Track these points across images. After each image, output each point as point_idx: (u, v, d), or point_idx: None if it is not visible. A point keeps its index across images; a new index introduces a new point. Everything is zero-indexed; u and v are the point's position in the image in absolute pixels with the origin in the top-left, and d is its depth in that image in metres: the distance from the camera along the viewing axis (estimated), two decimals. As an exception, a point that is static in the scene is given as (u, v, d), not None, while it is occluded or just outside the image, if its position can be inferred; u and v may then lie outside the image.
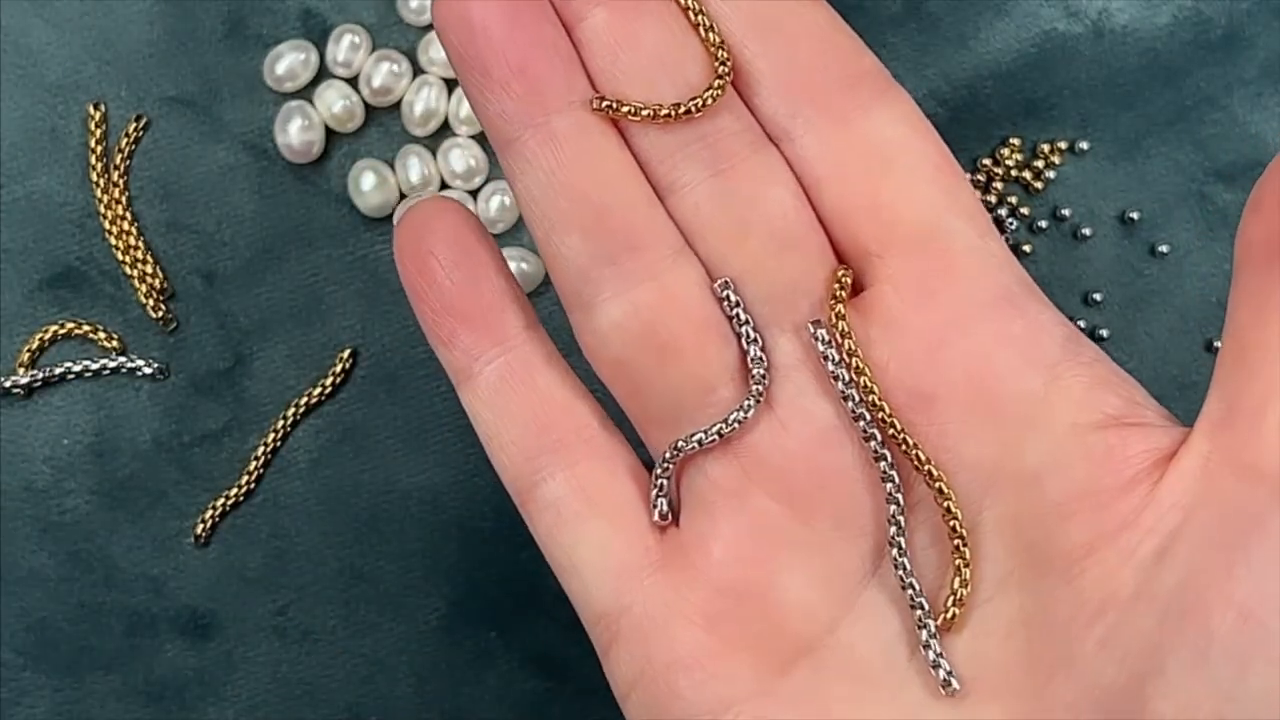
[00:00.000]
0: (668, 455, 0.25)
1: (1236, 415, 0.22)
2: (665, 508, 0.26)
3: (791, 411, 0.25)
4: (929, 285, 0.25)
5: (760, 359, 0.25)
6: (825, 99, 0.26)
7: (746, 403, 0.25)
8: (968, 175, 0.36)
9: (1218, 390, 0.23)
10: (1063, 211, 0.36)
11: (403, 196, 0.36)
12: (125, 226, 0.36)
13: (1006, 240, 0.36)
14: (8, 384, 0.35)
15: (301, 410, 0.36)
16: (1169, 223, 0.36)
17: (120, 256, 0.36)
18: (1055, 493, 0.24)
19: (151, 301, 0.35)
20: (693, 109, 0.25)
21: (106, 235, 0.36)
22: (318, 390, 0.36)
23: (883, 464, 0.25)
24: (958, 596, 0.24)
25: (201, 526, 0.35)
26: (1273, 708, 0.21)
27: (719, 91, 0.25)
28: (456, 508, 0.36)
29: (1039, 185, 0.36)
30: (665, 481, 0.26)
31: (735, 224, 0.26)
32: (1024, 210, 0.36)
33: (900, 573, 0.25)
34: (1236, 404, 0.22)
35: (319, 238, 0.36)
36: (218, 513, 0.35)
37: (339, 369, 0.36)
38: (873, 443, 0.25)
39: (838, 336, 0.25)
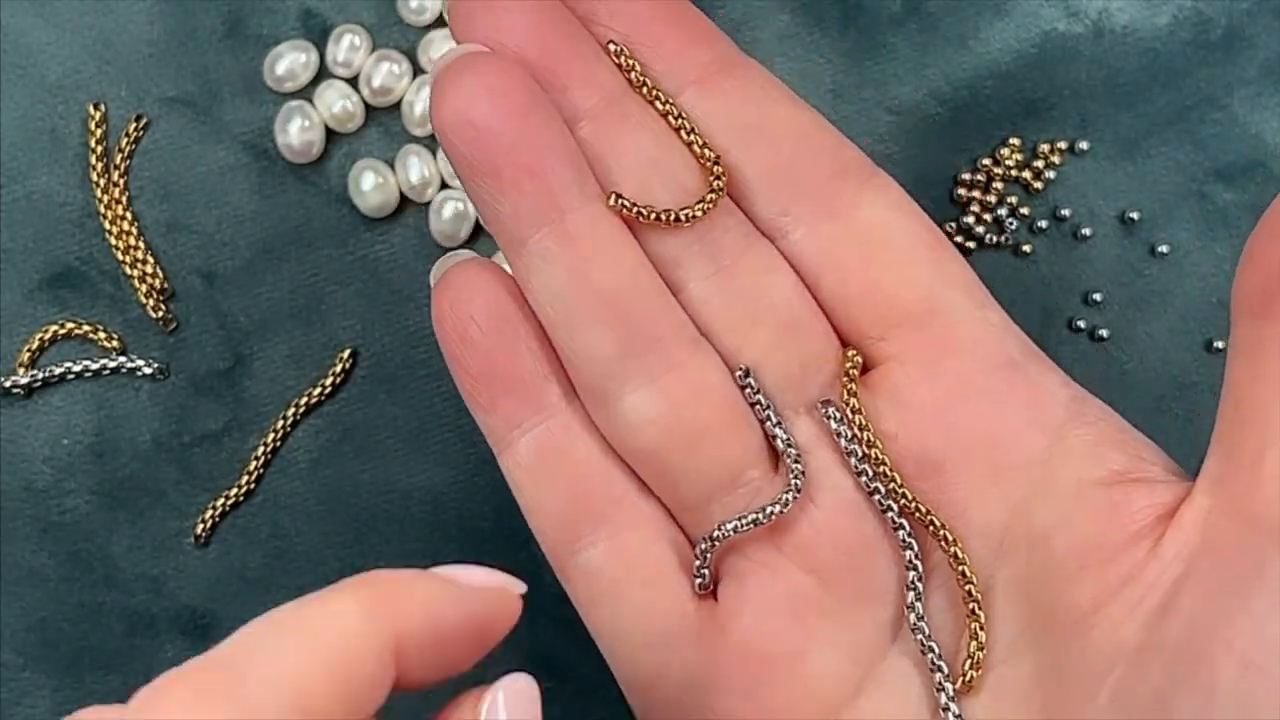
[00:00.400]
0: (716, 534, 0.26)
1: (1235, 468, 0.23)
2: (706, 578, 0.26)
3: (817, 486, 0.26)
4: (932, 359, 0.26)
5: (789, 440, 0.26)
6: (812, 195, 0.26)
7: (795, 483, 0.26)
8: (968, 174, 0.36)
9: (1217, 444, 0.23)
10: (1063, 211, 0.36)
11: (403, 196, 0.36)
12: (125, 226, 0.36)
13: (1006, 240, 0.36)
14: (8, 384, 0.35)
15: (301, 410, 0.36)
16: (1169, 223, 0.36)
17: (120, 256, 0.36)
18: (1062, 551, 0.24)
19: (151, 301, 0.35)
20: (697, 214, 0.26)
21: (106, 235, 0.36)
22: (318, 390, 0.36)
23: (901, 532, 0.25)
24: (975, 659, 0.25)
25: (201, 526, 0.35)
26: None
27: (719, 194, 0.26)
28: (456, 508, 0.36)
29: (1039, 185, 0.36)
30: (708, 556, 0.26)
31: (744, 315, 0.26)
32: (1024, 210, 0.36)
33: (920, 637, 0.25)
34: (1234, 457, 0.23)
35: (319, 238, 0.36)
36: (218, 513, 0.35)
37: (339, 369, 0.36)
38: (890, 513, 0.25)
39: (848, 413, 0.25)
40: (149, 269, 0.36)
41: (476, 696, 0.20)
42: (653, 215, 0.26)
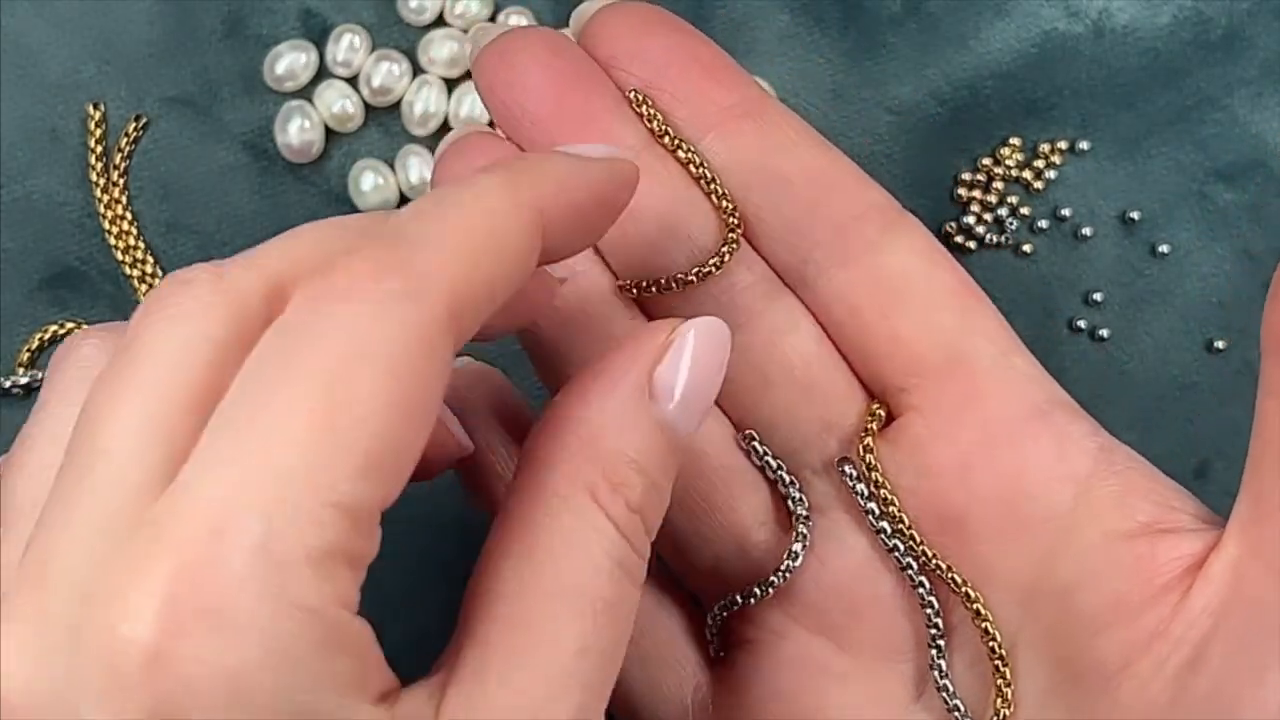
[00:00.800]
0: (726, 603, 0.26)
1: (1264, 512, 0.22)
2: (720, 644, 0.27)
3: (828, 548, 0.26)
4: (955, 410, 0.25)
5: (801, 500, 0.26)
6: (832, 242, 0.26)
7: (795, 547, 0.25)
8: (968, 174, 0.36)
9: (1246, 487, 0.23)
10: (1063, 211, 0.36)
11: (403, 196, 0.36)
12: (125, 226, 0.36)
13: (1006, 240, 0.36)
14: (7, 384, 0.35)
15: (301, 410, 0.36)
16: (1170, 223, 0.36)
17: (120, 256, 0.36)
18: (1088, 606, 0.24)
19: (151, 301, 0.35)
20: (712, 270, 0.25)
21: (106, 235, 0.36)
22: (318, 390, 0.36)
23: (920, 590, 0.25)
24: (1000, 716, 0.24)
25: (201, 526, 0.35)
26: None
27: (734, 246, 0.25)
28: (456, 508, 0.36)
29: (1039, 185, 0.36)
30: (719, 623, 0.26)
31: (756, 377, 0.26)
32: (1024, 210, 0.36)
33: (944, 695, 0.25)
34: (1264, 500, 0.22)
35: (319, 238, 0.36)
36: (218, 513, 0.35)
37: (339, 369, 0.36)
38: (909, 570, 0.25)
39: (864, 470, 0.25)
40: (149, 269, 0.36)
41: (670, 325, 0.22)
42: (663, 285, 0.25)
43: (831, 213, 0.26)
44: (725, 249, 0.25)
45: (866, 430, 0.25)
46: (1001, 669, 0.24)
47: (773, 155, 0.26)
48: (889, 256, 0.26)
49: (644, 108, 0.26)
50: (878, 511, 0.25)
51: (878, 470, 0.25)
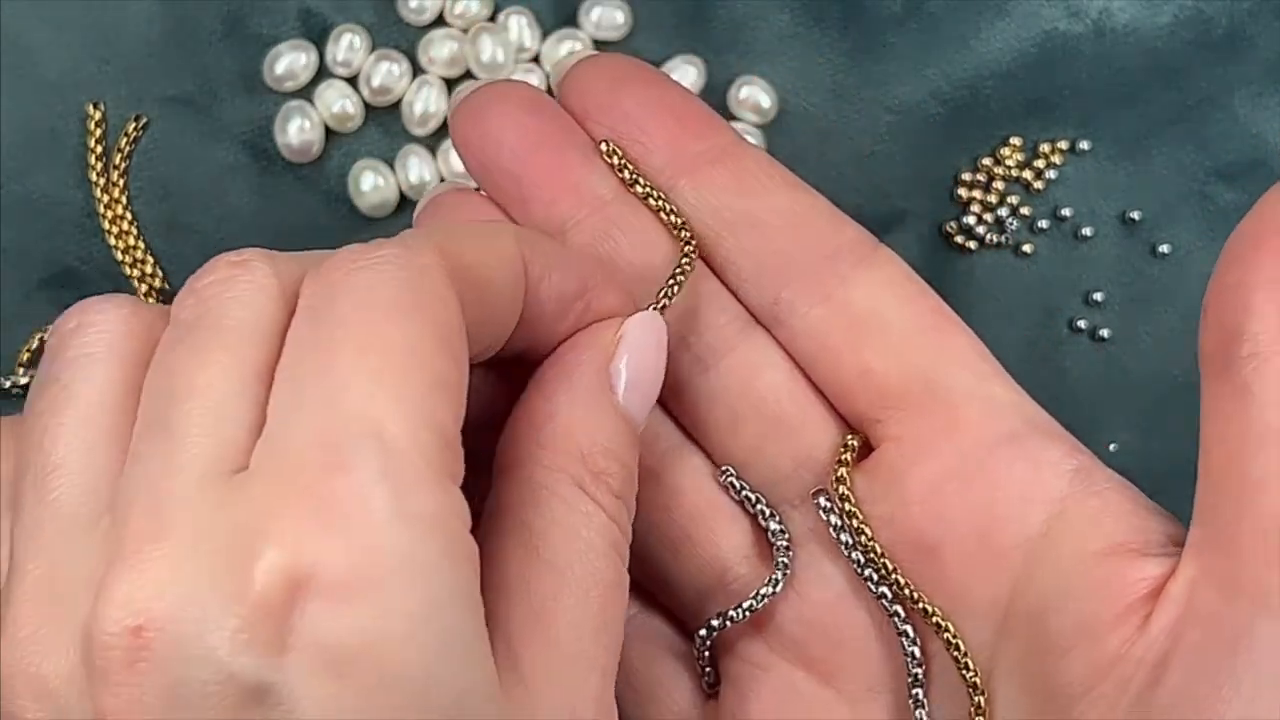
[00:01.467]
0: (704, 633, 0.26)
1: (1214, 533, 0.22)
2: (713, 677, 0.27)
3: (806, 580, 0.26)
4: (929, 439, 0.25)
5: (782, 531, 0.26)
6: (804, 280, 0.26)
7: (775, 575, 0.26)
8: (968, 174, 0.36)
9: (1197, 510, 0.23)
10: (1063, 211, 0.36)
11: (403, 196, 0.36)
12: (125, 226, 0.36)
13: (1006, 240, 0.36)
14: (7, 384, 0.35)
15: (301, 410, 0.36)
16: (1170, 223, 0.36)
17: (120, 256, 0.36)
18: (1056, 629, 0.24)
19: (151, 301, 0.35)
20: (669, 296, 0.25)
21: (106, 235, 0.36)
22: (317, 390, 0.36)
23: (895, 620, 0.25)
24: None
25: (201, 526, 0.35)
26: None
27: (689, 267, 0.25)
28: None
29: (1039, 185, 0.36)
30: (706, 655, 0.27)
31: (728, 416, 0.26)
32: (1024, 210, 0.36)
33: None
34: (1212, 522, 0.22)
35: (319, 238, 0.36)
36: (217, 513, 0.35)
37: (339, 369, 0.36)
38: (884, 601, 0.25)
39: (838, 501, 0.25)
40: (149, 269, 0.36)
41: (616, 321, 0.24)
42: None
43: (804, 253, 0.26)
44: (679, 273, 0.25)
45: (840, 462, 0.25)
46: (974, 697, 0.24)
47: (744, 199, 0.26)
48: (860, 291, 0.26)
49: (614, 158, 0.26)
50: (851, 542, 0.25)
51: (850, 501, 0.25)
